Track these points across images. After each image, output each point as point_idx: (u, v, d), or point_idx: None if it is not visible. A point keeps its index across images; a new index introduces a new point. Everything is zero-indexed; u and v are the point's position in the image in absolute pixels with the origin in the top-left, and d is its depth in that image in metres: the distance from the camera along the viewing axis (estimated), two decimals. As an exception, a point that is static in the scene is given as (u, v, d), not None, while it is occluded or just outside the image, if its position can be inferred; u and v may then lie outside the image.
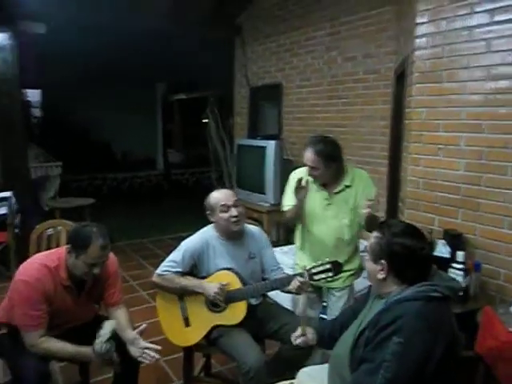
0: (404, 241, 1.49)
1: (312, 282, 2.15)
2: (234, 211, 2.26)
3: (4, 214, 4.33)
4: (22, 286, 1.92)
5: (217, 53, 6.07)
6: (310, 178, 2.39)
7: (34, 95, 9.59)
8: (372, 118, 4.04)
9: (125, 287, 4.15)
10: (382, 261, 1.52)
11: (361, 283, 2.54)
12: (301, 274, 2.14)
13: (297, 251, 2.63)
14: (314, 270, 2.12)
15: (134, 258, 5.17)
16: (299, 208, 2.38)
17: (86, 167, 9.04)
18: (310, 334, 1.90)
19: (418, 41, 2.79)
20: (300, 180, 2.28)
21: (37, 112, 9.86)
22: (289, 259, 3.15)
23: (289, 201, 2.46)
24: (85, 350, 1.94)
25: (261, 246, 2.43)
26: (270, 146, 4.26)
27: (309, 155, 2.32)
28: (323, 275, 2.12)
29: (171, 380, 2.76)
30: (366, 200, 2.18)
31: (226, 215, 2.25)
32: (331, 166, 2.33)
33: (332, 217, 2.40)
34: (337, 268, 2.14)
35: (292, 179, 2.50)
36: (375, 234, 1.57)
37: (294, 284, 2.13)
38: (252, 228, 2.49)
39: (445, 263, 2.39)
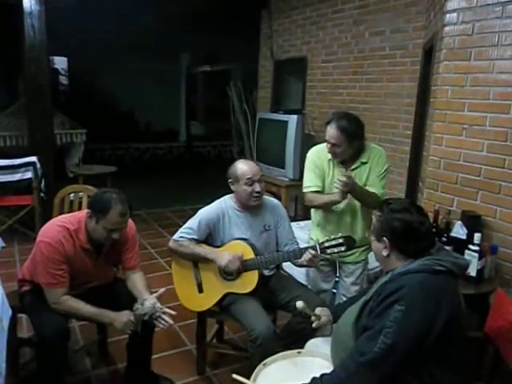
0: (403, 216, 1.53)
1: (324, 255, 2.17)
2: (257, 187, 2.27)
3: (29, 178, 4.47)
4: (44, 247, 2.00)
5: (243, 26, 5.98)
6: (328, 155, 2.38)
7: (60, 63, 9.70)
8: (397, 95, 3.96)
9: (143, 254, 4.32)
10: (384, 238, 1.57)
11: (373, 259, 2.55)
12: (313, 247, 2.16)
13: (312, 227, 2.64)
14: (326, 244, 2.14)
15: (154, 226, 5.30)
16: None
17: (109, 136, 9.13)
18: (326, 316, 1.93)
19: (448, 16, 2.70)
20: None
21: (63, 80, 9.99)
22: (304, 234, 3.18)
23: (309, 181, 2.44)
24: (106, 313, 2.03)
25: (278, 219, 2.44)
26: (292, 120, 4.22)
27: (332, 132, 2.26)
28: (335, 249, 2.13)
29: (185, 344, 2.86)
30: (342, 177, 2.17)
31: (249, 189, 2.27)
32: (354, 144, 2.29)
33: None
34: (350, 243, 2.15)
35: (310, 159, 2.49)
36: (377, 213, 1.62)
37: (306, 256, 2.15)
38: (271, 200, 2.50)
39: (461, 244, 2.38)
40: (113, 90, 9.34)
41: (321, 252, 2.14)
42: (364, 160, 2.38)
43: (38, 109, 4.62)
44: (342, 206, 2.40)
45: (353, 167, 2.38)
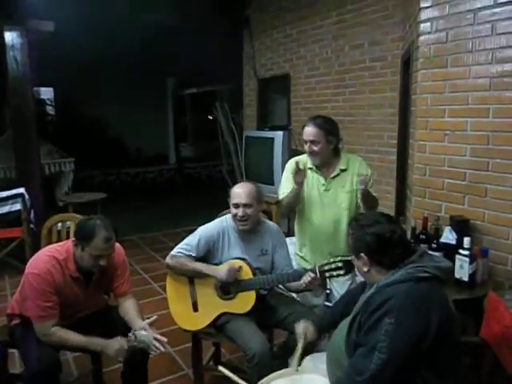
0: (374, 230, 1.53)
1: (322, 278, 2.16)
2: (240, 211, 2.25)
3: (18, 210, 4.44)
4: (33, 278, 1.97)
5: (225, 46, 6.07)
6: (307, 164, 2.41)
7: (46, 93, 9.73)
8: (380, 106, 4.01)
9: (137, 280, 4.28)
10: (362, 254, 1.57)
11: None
12: (312, 270, 2.14)
13: (296, 240, 2.65)
14: (325, 267, 2.12)
15: (146, 251, 5.25)
16: (297, 193, 2.37)
17: (99, 163, 9.13)
18: (311, 334, 1.96)
19: (422, 25, 2.75)
20: (298, 163, 2.28)
21: (50, 110, 10.01)
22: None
23: (285, 188, 2.46)
24: (97, 341, 2.00)
25: (276, 244, 2.43)
26: (278, 136, 4.26)
27: (309, 130, 2.35)
28: (334, 273, 2.12)
29: (182, 369, 2.81)
30: (360, 176, 2.21)
31: (234, 211, 2.27)
32: (332, 141, 2.36)
33: (330, 202, 2.42)
34: (348, 267, 2.11)
35: (287, 168, 2.51)
36: (350, 231, 1.64)
37: (306, 279, 2.12)
38: (270, 224, 2.49)
39: (451, 250, 2.37)
40: (100, 116, 9.38)
41: (319, 275, 2.12)
42: (342, 167, 2.41)
43: (24, 140, 4.64)
44: (323, 214, 2.42)
45: (333, 175, 2.41)
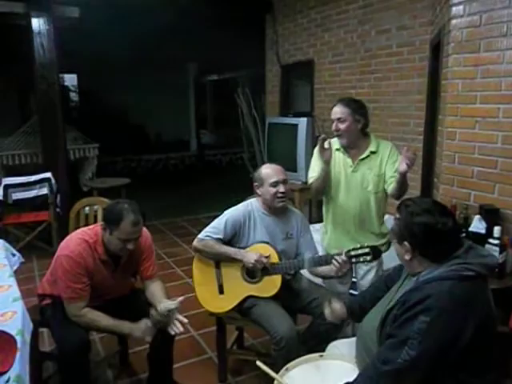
0: (423, 219, 1.43)
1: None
2: (281, 187, 2.29)
3: (45, 194, 4.53)
4: (65, 260, 2.01)
5: (248, 32, 6.01)
6: (336, 145, 2.38)
7: (70, 80, 9.84)
8: (407, 92, 3.93)
9: (160, 264, 4.32)
10: (405, 242, 1.48)
11: (390, 259, 2.52)
12: (339, 255, 2.11)
13: (323, 225, 2.63)
14: (352, 253, 2.09)
15: (169, 236, 5.31)
16: (325, 173, 2.33)
17: (121, 149, 9.22)
18: (340, 309, 1.91)
19: (454, 9, 2.67)
20: (324, 139, 2.25)
21: (74, 96, 10.13)
22: (319, 236, 3.16)
23: (313, 172, 2.45)
24: (125, 324, 2.04)
25: (301, 229, 2.44)
26: (302, 123, 4.22)
27: (336, 109, 2.34)
28: (361, 258, 2.09)
29: (206, 352, 2.85)
30: (406, 152, 2.01)
31: (273, 190, 2.28)
32: (359, 120, 2.32)
33: (356, 185, 2.38)
34: (376, 253, 2.10)
35: (316, 151, 2.48)
36: (396, 215, 1.54)
37: (335, 263, 2.09)
38: (294, 210, 2.52)
39: (480, 239, 2.32)
40: (122, 103, 9.45)
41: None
42: (373, 149, 2.37)
43: (51, 125, 4.70)
44: (350, 197, 2.39)
45: (362, 157, 2.37)
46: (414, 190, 3.80)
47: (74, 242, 2.07)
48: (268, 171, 2.33)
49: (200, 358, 2.79)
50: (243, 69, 7.88)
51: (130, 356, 2.74)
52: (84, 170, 6.59)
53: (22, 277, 3.85)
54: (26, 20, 4.49)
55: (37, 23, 4.50)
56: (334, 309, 1.92)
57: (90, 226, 2.26)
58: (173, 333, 1.99)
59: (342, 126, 2.31)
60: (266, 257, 2.23)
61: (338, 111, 2.32)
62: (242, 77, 8.04)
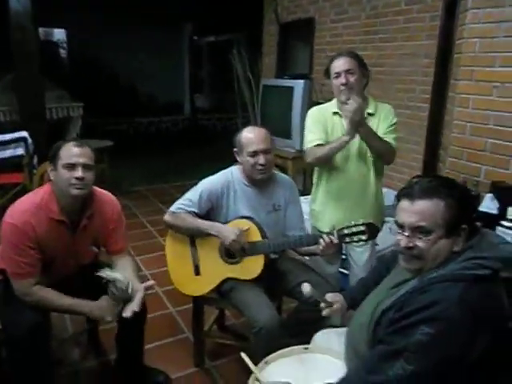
0: (471, 194, 1.23)
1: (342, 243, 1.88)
2: (261, 159, 1.98)
3: (20, 155, 4.23)
4: (9, 229, 1.74)
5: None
6: (332, 107, 2.18)
7: (60, 35, 9.39)
8: (414, 55, 3.61)
9: (142, 233, 4.09)
10: (463, 226, 1.21)
11: (382, 240, 2.29)
12: (330, 233, 1.86)
13: (312, 195, 2.39)
14: (345, 231, 1.82)
15: (155, 203, 5.04)
16: (345, 144, 2.04)
17: (111, 110, 8.87)
18: (338, 302, 1.66)
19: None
20: (343, 93, 2.04)
21: (63, 53, 9.67)
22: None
23: (313, 136, 2.16)
24: (83, 302, 1.80)
25: (289, 200, 2.16)
26: (298, 86, 3.89)
27: (342, 60, 2.08)
28: (355, 237, 1.81)
29: (183, 332, 2.63)
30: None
31: (252, 160, 1.99)
32: (365, 75, 2.13)
33: (355, 151, 2.15)
34: (372, 232, 1.81)
35: (310, 115, 2.23)
36: (435, 201, 1.21)
37: (322, 243, 1.84)
38: (283, 177, 2.22)
39: (492, 220, 2.08)
40: (114, 62, 9.05)
41: (338, 240, 1.84)
42: (370, 111, 2.13)
43: (27, 79, 4.37)
44: (349, 164, 2.16)
45: None
46: (416, 163, 3.54)
47: (22, 207, 1.79)
48: (249, 136, 2.01)
49: (176, 338, 2.56)
50: (241, 29, 7.45)
51: (101, 334, 2.50)
52: (68, 131, 6.26)
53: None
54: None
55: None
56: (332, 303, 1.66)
57: (40, 187, 1.98)
58: (124, 315, 1.75)
59: (352, 79, 2.05)
60: (245, 230, 1.96)
61: (346, 61, 2.05)
62: (238, 37, 7.65)
